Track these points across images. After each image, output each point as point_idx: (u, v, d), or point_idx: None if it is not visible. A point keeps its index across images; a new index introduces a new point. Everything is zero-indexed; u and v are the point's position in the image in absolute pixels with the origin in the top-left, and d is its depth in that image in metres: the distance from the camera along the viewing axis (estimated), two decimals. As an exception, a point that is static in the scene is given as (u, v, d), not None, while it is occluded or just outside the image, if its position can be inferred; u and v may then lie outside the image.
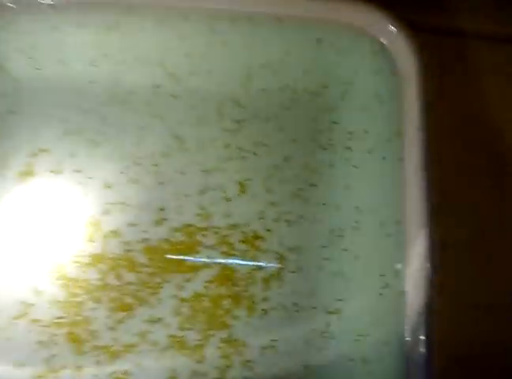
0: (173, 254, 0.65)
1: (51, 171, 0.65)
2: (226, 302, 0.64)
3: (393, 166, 0.63)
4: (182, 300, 0.64)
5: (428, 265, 0.59)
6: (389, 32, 0.64)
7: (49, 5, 0.63)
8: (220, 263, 0.64)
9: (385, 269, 0.62)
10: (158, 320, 0.63)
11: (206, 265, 0.65)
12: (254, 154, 0.65)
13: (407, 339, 0.59)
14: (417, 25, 0.68)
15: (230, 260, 0.65)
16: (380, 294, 0.62)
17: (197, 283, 0.65)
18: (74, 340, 0.63)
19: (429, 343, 0.58)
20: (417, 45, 0.63)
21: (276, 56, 0.66)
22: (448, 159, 0.65)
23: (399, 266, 0.62)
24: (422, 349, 0.59)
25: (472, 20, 0.74)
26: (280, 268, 0.65)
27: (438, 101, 0.62)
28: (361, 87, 0.66)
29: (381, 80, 0.65)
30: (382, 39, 0.64)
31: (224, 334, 0.63)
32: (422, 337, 0.59)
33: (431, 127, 0.61)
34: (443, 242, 0.61)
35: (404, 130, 0.63)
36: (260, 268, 0.65)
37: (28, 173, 0.66)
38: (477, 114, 0.70)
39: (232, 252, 0.65)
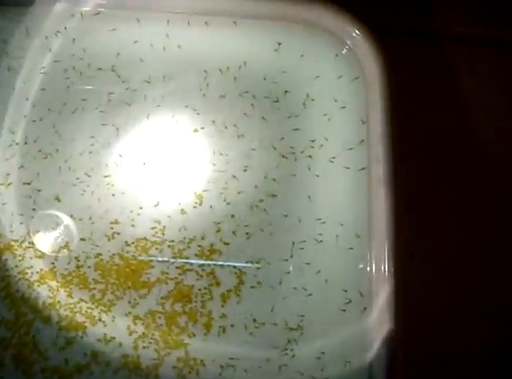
0: (126, 270, 0.60)
1: (-1, 184, 0.61)
2: (182, 320, 0.62)
3: (356, 175, 0.62)
4: (136, 318, 0.62)
5: (392, 279, 0.56)
6: (352, 35, 0.62)
7: None
8: (175, 278, 0.62)
9: (348, 284, 0.60)
10: (111, 340, 0.60)
11: (161, 281, 0.62)
12: (212, 164, 0.61)
13: (369, 357, 0.56)
14: (388, 28, 0.66)
15: (185, 276, 0.62)
16: (343, 310, 0.59)
17: (152, 300, 0.62)
18: (22, 361, 0.59)
19: (392, 361, 0.55)
20: (381, 48, 0.61)
21: (234, 61, 0.63)
22: (413, 169, 0.62)
23: (362, 280, 0.58)
24: (385, 367, 0.56)
25: (445, 22, 0.70)
26: (239, 284, 0.62)
27: (405, 106, 0.59)
28: (323, 92, 0.64)
29: (344, 86, 0.64)
30: (344, 43, 0.62)
31: (180, 353, 0.61)
32: (384, 355, 0.56)
33: (395, 134, 0.58)
34: (409, 253, 0.58)
35: (367, 138, 0.60)
36: (217, 283, 0.62)
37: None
38: (447, 118, 0.67)
39: (188, 267, 0.62)
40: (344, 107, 0.62)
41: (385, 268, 0.57)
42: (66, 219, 0.62)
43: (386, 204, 0.58)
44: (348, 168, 0.61)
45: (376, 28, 0.61)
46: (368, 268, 0.59)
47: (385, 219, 0.58)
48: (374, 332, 0.58)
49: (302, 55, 0.64)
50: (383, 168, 0.59)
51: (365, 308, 0.58)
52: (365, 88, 0.62)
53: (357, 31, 0.61)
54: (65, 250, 0.62)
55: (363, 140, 0.61)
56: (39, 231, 0.63)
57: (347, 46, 0.62)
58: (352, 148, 0.61)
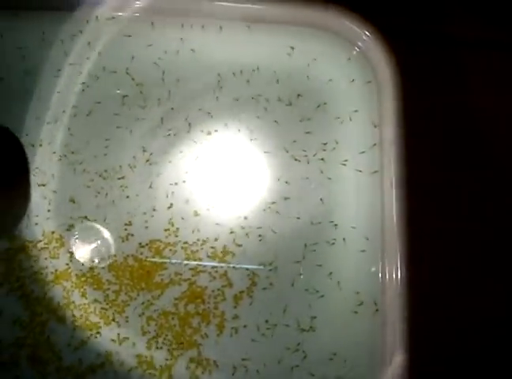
0: (140, 271, 0.61)
1: (14, 185, 0.62)
2: (195, 320, 0.63)
3: (368, 178, 0.63)
4: (150, 318, 0.62)
5: (404, 281, 0.57)
6: (364, 38, 0.62)
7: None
8: (188, 280, 0.62)
9: (360, 286, 0.61)
10: (125, 340, 0.60)
11: (174, 282, 0.63)
12: (224, 167, 0.62)
13: (382, 358, 0.57)
14: (399, 30, 0.66)
15: (198, 277, 0.62)
16: (355, 311, 0.59)
17: (165, 301, 0.63)
18: (37, 361, 0.60)
19: (405, 362, 0.56)
20: (393, 51, 0.61)
21: (247, 64, 0.63)
22: (426, 172, 0.62)
23: (374, 283, 0.59)
24: (398, 369, 0.56)
25: (457, 25, 0.71)
26: (251, 285, 0.63)
27: (417, 109, 0.59)
28: (336, 96, 0.65)
29: (356, 89, 0.64)
30: (356, 46, 0.62)
31: (193, 353, 0.62)
32: (398, 356, 0.57)
33: (407, 137, 0.58)
34: (420, 256, 0.58)
35: (379, 142, 0.60)
36: (230, 284, 0.63)
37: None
38: (459, 121, 0.67)
39: (201, 268, 0.62)
40: (356, 111, 0.63)
41: (397, 270, 0.58)
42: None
43: (399, 207, 0.58)
44: (360, 171, 0.62)
45: (387, 31, 0.61)
46: (380, 271, 0.59)
47: (398, 222, 0.58)
48: (386, 333, 0.58)
49: (314, 59, 0.65)
50: (395, 171, 0.59)
51: (377, 310, 0.59)
52: (377, 92, 0.62)
53: (368, 34, 0.61)
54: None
55: (375, 144, 0.61)
56: (79, 242, 0.63)
57: (358, 50, 0.62)
58: (364, 152, 0.62)
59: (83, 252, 0.63)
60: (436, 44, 0.70)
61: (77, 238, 0.63)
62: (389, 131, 0.60)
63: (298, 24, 0.64)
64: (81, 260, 0.62)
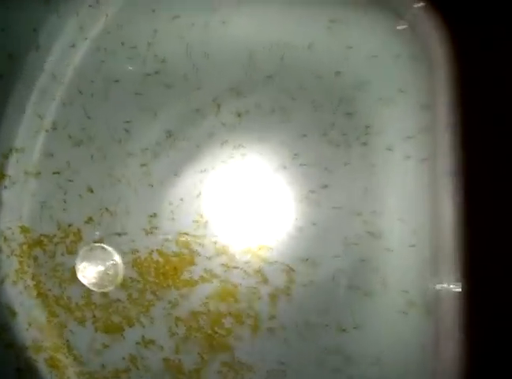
0: (166, 267, 0.57)
1: (25, 173, 0.56)
2: (227, 321, 0.58)
3: (417, 166, 0.58)
4: (178, 319, 0.58)
5: (459, 281, 0.51)
6: (413, 9, 0.55)
7: None
8: (219, 276, 0.58)
9: (409, 285, 0.57)
10: (150, 343, 0.56)
11: (204, 279, 0.58)
12: (257, 152, 0.56)
13: (434, 368, 0.52)
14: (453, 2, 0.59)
15: (231, 274, 0.58)
16: (403, 312, 0.55)
17: (194, 300, 0.59)
18: (55, 366, 0.55)
19: (459, 369, 0.51)
20: (447, 24, 0.55)
21: (282, 38, 0.58)
22: (480, 160, 0.56)
23: (425, 281, 0.56)
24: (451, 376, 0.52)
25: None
26: (289, 282, 0.58)
27: (473, 90, 0.53)
28: (379, 73, 0.60)
29: (402, 66, 0.59)
30: (404, 18, 0.57)
31: (225, 357, 0.58)
32: (451, 363, 0.52)
33: (462, 122, 0.52)
34: (477, 253, 0.52)
35: (430, 126, 0.55)
36: (265, 281, 0.58)
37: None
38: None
39: (234, 263, 0.58)
40: (402, 91, 0.58)
41: (451, 269, 0.52)
42: (100, 212, 0.56)
43: (453, 200, 0.52)
44: (408, 158, 0.57)
45: (440, 2, 0.54)
46: (433, 268, 0.54)
47: (452, 216, 0.53)
48: (439, 339, 0.53)
49: (356, 33, 0.59)
50: (450, 160, 0.53)
51: (429, 311, 0.54)
52: (427, 70, 0.58)
53: (419, 4, 0.54)
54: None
55: (424, 128, 0.55)
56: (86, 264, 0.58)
57: (406, 22, 0.57)
58: (412, 137, 0.57)
59: (90, 275, 0.57)
60: (496, 20, 0.63)
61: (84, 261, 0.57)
62: (442, 114, 0.55)
63: (338, -7, 0.57)
64: (87, 284, 0.57)
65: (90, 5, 0.59)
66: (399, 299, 0.57)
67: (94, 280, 0.57)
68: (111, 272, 0.58)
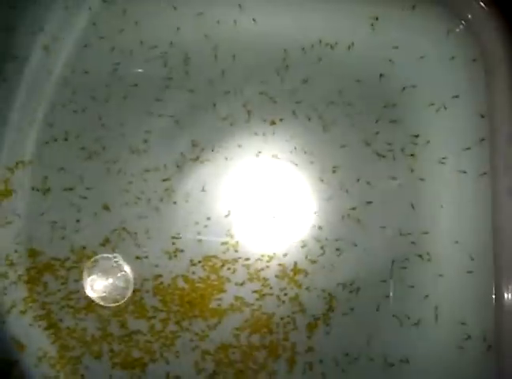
0: (192, 294, 0.52)
1: (33, 189, 0.50)
2: (261, 354, 0.53)
3: (474, 182, 0.52)
4: (205, 353, 0.53)
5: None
6: (471, 7, 0.49)
7: None
8: (251, 304, 0.53)
9: (466, 316, 0.51)
10: (175, 379, 0.50)
11: (235, 308, 0.53)
12: (294, 164, 0.51)
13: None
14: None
15: (264, 302, 0.53)
16: (459, 346, 0.50)
17: (224, 331, 0.53)
18: (69, 406, 0.50)
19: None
20: (509, 24, 0.48)
21: (320, 38, 0.54)
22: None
23: (485, 312, 0.50)
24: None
25: None
26: (328, 310, 0.53)
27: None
28: (429, 77, 0.54)
29: (457, 69, 0.54)
30: (460, 16, 0.52)
31: None
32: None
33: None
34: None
35: (489, 136, 0.51)
36: (303, 310, 0.53)
37: (4, 192, 0.54)
38: None
39: (267, 290, 0.53)
40: (456, 96, 0.53)
41: (516, 298, 0.46)
42: (117, 233, 0.51)
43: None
44: (464, 172, 0.52)
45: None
46: (494, 298, 0.49)
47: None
48: (501, 376, 0.47)
49: (403, 31, 0.54)
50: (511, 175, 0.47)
51: (489, 346, 0.49)
52: (486, 74, 0.52)
53: (479, 3, 0.48)
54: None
55: (483, 139, 0.50)
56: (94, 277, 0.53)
57: (463, 21, 0.52)
58: (469, 148, 0.52)
59: (99, 288, 0.52)
60: None
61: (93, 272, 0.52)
62: (501, 123, 0.50)
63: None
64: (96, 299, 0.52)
65: (105, 0, 0.52)
66: (454, 331, 0.52)
67: (104, 294, 0.52)
68: (121, 285, 0.52)
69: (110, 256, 0.53)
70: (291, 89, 0.55)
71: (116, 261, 0.52)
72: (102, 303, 0.53)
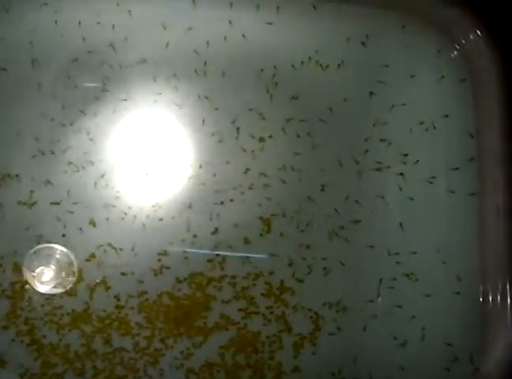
0: (177, 312, 0.52)
1: (19, 202, 0.49)
2: (245, 374, 0.52)
3: (463, 201, 0.52)
4: (190, 371, 0.52)
5: (511, 335, 0.46)
6: (461, 27, 0.49)
7: None
8: (237, 323, 0.52)
9: (453, 337, 0.51)
10: (159, 398, 0.50)
11: (220, 326, 0.52)
12: (281, 181, 0.50)
13: None
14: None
15: (250, 320, 0.52)
16: (445, 368, 0.51)
17: (209, 350, 0.52)
18: (51, 425, 0.49)
19: None
20: (497, 44, 0.50)
21: (310, 54, 0.55)
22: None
23: (472, 334, 0.51)
24: None
25: None
26: (315, 330, 0.52)
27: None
28: (419, 95, 0.55)
29: (446, 89, 0.54)
30: (450, 36, 0.52)
31: None
32: None
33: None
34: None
35: (478, 155, 0.51)
36: (289, 329, 0.52)
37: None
38: None
39: (253, 308, 0.52)
40: (446, 116, 0.54)
41: (505, 320, 0.46)
42: (103, 249, 0.50)
43: (506, 241, 0.46)
44: (452, 192, 0.52)
45: (490, 20, 0.48)
46: (482, 319, 0.48)
47: (505, 259, 0.47)
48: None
49: (393, 50, 0.55)
50: (501, 195, 0.47)
51: (477, 369, 0.48)
52: (475, 94, 0.52)
53: (472, 27, 0.49)
54: (103, 288, 0.50)
55: (472, 158, 0.50)
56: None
57: (454, 41, 0.52)
58: (457, 168, 0.51)
59: (48, 278, 0.52)
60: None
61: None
62: (491, 143, 0.49)
63: (375, 5, 0.53)
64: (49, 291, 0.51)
65: (94, 14, 0.52)
66: (440, 353, 0.52)
67: (56, 281, 0.51)
68: (66, 267, 0.51)
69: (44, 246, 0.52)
70: (281, 106, 0.54)
71: (51, 248, 0.51)
72: (57, 291, 0.51)
